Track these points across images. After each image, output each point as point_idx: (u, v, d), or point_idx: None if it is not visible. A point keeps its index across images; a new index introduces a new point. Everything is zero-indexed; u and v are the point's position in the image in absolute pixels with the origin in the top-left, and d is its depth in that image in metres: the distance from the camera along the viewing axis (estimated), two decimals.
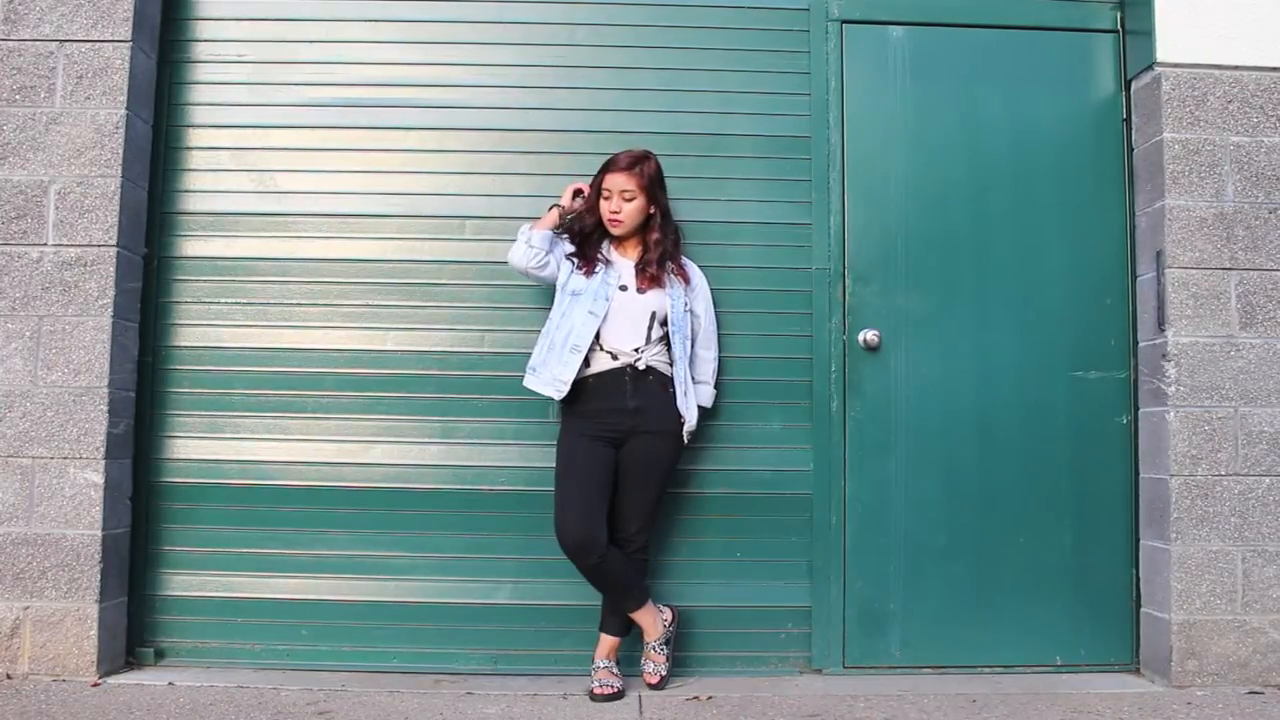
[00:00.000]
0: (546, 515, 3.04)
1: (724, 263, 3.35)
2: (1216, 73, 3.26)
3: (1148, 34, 3.31)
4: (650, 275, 3.09)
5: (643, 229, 3.13)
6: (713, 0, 3.43)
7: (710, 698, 3.01)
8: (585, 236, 3.12)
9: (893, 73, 3.44)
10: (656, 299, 3.08)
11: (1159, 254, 3.25)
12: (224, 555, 3.26)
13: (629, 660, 3.15)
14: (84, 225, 3.11)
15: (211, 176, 3.36)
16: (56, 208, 3.12)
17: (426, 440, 3.31)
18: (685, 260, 3.21)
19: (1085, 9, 3.48)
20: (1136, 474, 3.35)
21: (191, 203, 3.36)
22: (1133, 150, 3.41)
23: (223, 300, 3.34)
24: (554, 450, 3.10)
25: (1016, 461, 3.35)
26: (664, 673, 3.10)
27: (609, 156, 3.11)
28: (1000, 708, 2.94)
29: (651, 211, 3.12)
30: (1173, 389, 3.18)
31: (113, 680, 3.06)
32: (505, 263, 3.15)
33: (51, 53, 3.15)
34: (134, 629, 3.23)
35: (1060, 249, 3.41)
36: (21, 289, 3.10)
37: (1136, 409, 3.36)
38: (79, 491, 3.06)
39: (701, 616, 3.28)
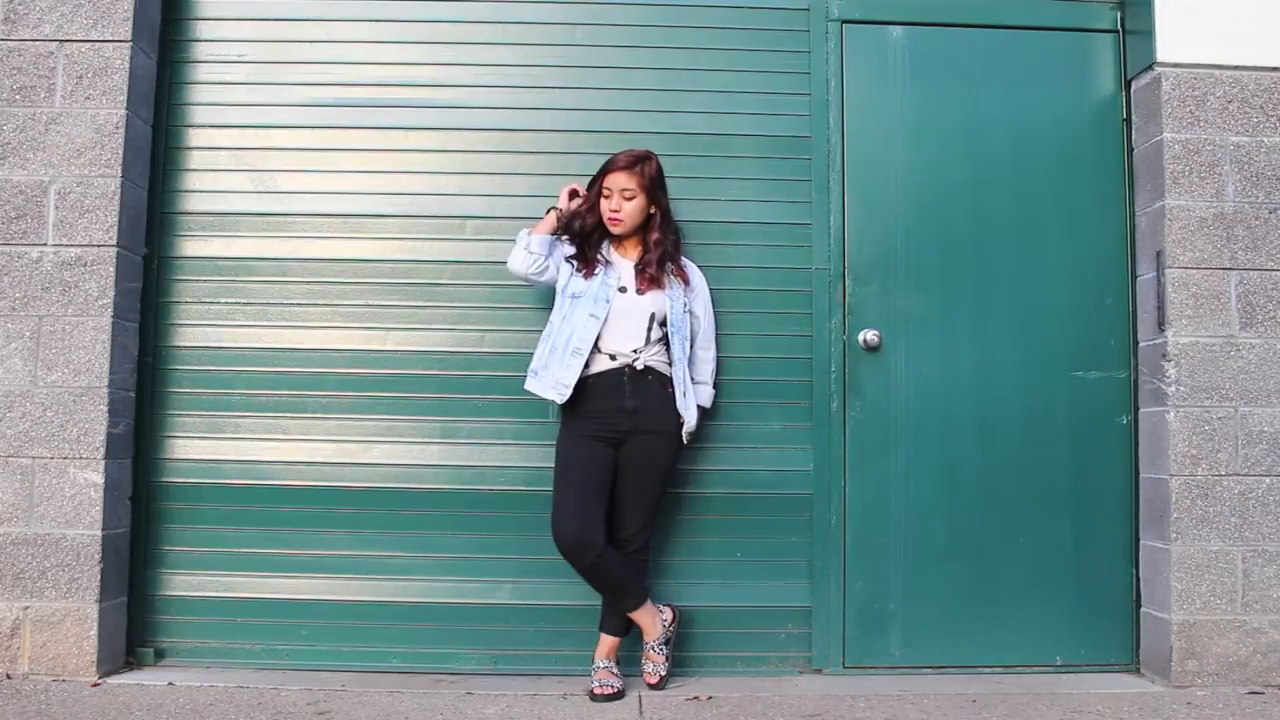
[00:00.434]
0: (546, 515, 3.04)
1: (724, 263, 3.35)
2: (1216, 73, 3.26)
3: (1148, 34, 3.31)
4: (650, 276, 3.09)
5: (643, 229, 3.13)
6: (713, 0, 3.43)
7: (710, 698, 3.01)
8: (585, 237, 3.12)
9: (893, 73, 3.44)
10: (655, 300, 3.08)
11: (1159, 254, 3.25)
12: (224, 555, 3.26)
13: (629, 660, 3.14)
14: (84, 225, 3.11)
15: (211, 176, 3.37)
16: (56, 208, 3.12)
17: (426, 440, 3.31)
18: (685, 261, 3.21)
19: (1085, 9, 3.48)
20: (1136, 474, 3.35)
21: (191, 203, 3.36)
22: (1133, 150, 3.41)
23: (223, 300, 3.34)
24: (554, 450, 3.10)
25: (1016, 461, 3.35)
26: (664, 673, 3.10)
27: (609, 157, 3.11)
28: (1000, 708, 2.94)
29: (651, 211, 3.12)
30: (1173, 389, 3.18)
31: (113, 680, 3.06)
32: (505, 263, 3.15)
33: (51, 53, 3.15)
34: (134, 629, 3.23)
35: (1060, 249, 3.41)
36: (21, 289, 3.10)
37: (1136, 409, 3.36)
38: (79, 491, 3.06)
39: (701, 616, 3.28)
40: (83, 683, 3.01)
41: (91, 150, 3.13)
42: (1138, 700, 3.02)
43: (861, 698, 3.04)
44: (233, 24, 3.40)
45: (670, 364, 3.10)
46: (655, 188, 3.10)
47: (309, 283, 3.34)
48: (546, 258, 3.10)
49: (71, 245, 3.11)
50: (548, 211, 3.15)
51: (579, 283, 3.07)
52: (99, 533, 3.05)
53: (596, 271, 3.08)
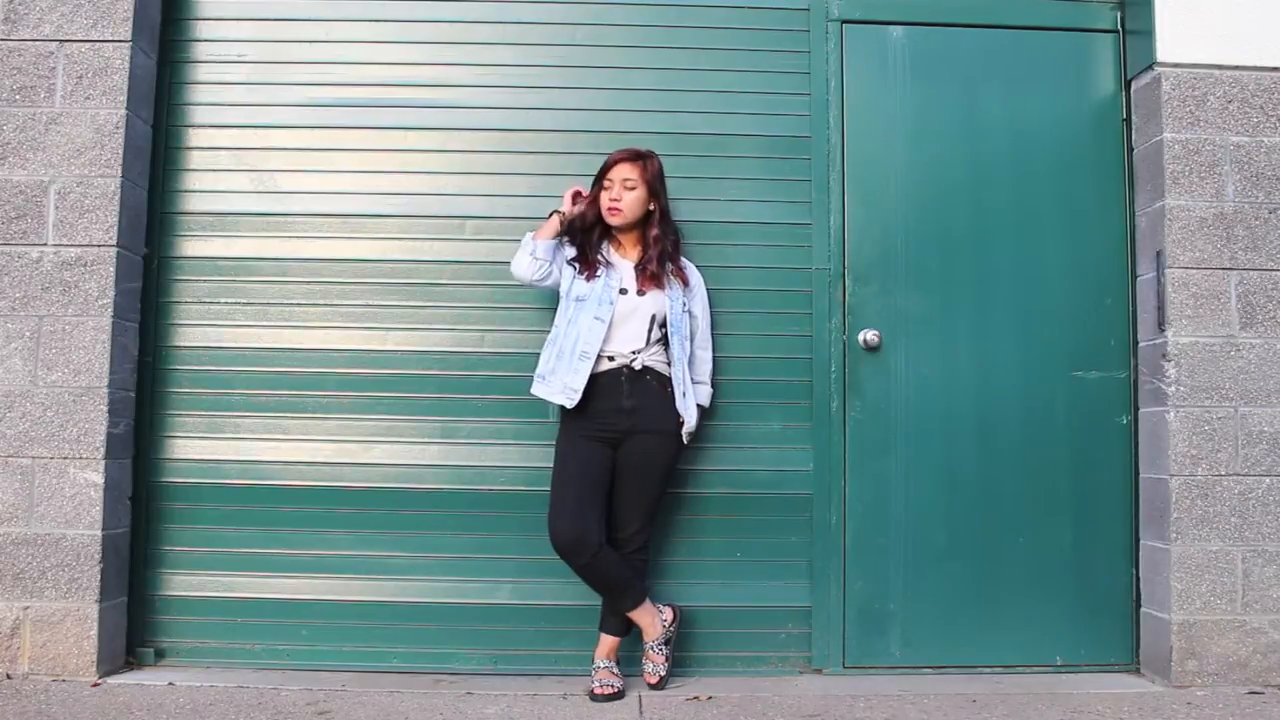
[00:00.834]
0: (546, 515, 3.03)
1: (724, 263, 3.35)
2: (1216, 73, 3.26)
3: (1148, 34, 3.31)
4: (650, 274, 3.09)
5: (642, 226, 3.13)
6: (713, 0, 3.43)
7: (710, 698, 3.01)
8: (585, 234, 3.12)
9: (893, 73, 3.44)
10: (655, 301, 3.08)
11: (1159, 254, 3.25)
12: (224, 555, 3.27)
13: (630, 660, 3.15)
14: (84, 225, 3.11)
15: (211, 176, 3.37)
16: (56, 208, 3.12)
17: (426, 440, 3.31)
18: (684, 262, 3.21)
19: (1085, 9, 3.48)
20: (1136, 474, 3.35)
21: (191, 203, 3.36)
22: (1133, 150, 3.41)
23: (223, 300, 3.34)
24: (553, 450, 3.10)
25: (1016, 461, 3.35)
26: (663, 673, 3.10)
27: (609, 156, 3.12)
28: (1000, 708, 2.94)
29: (651, 208, 3.12)
30: (1173, 389, 3.18)
31: (113, 680, 3.06)
32: (506, 263, 3.15)
33: (51, 53, 3.15)
34: (134, 629, 3.23)
35: (1060, 249, 3.41)
36: (21, 289, 3.10)
37: (1136, 409, 3.36)
38: (79, 491, 3.06)
39: (701, 616, 3.28)
40: (83, 683, 3.01)
41: (91, 150, 3.13)
42: (1138, 700, 3.02)
43: (861, 698, 3.04)
44: (232, 24, 3.40)
45: (669, 364, 3.10)
46: (656, 183, 3.11)
47: (309, 283, 3.34)
48: (550, 262, 3.10)
49: (71, 245, 3.11)
50: (551, 214, 3.15)
51: (582, 285, 3.07)
52: (99, 533, 3.05)
53: (598, 273, 3.08)
